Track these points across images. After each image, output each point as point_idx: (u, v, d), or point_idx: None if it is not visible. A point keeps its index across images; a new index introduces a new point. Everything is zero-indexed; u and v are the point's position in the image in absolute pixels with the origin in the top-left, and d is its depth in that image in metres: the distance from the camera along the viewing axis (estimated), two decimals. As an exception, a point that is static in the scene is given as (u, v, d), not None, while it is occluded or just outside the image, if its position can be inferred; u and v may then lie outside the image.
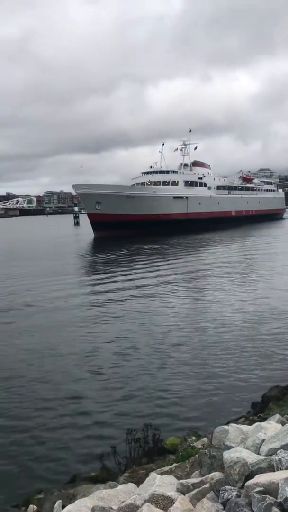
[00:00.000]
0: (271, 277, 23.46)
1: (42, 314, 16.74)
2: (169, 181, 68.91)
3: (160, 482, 3.51)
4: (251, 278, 23.32)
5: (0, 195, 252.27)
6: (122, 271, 26.98)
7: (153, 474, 3.82)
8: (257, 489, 2.71)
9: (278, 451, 3.15)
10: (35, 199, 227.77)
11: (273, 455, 3.13)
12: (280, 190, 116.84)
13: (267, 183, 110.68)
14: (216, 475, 3.23)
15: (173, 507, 2.97)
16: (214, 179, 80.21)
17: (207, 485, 3.18)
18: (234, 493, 2.86)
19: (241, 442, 3.97)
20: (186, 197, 68.63)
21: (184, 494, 3.30)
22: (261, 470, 3.01)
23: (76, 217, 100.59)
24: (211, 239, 50.08)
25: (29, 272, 27.65)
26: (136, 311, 16.69)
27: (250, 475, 2.99)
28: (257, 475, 2.90)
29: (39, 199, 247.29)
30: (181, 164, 76.49)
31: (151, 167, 74.25)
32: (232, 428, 4.31)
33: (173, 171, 71.95)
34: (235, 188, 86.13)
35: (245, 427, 4.36)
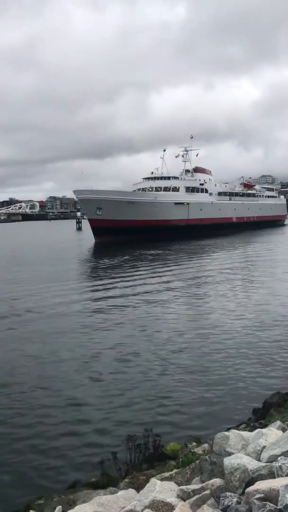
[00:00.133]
0: (273, 284, 23.43)
1: (43, 320, 16.72)
2: (170, 187, 69.04)
3: (161, 488, 3.51)
4: (253, 284, 23.30)
5: (3, 200, 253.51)
6: (123, 277, 26.99)
7: (153, 480, 3.82)
8: (258, 495, 2.71)
9: (279, 458, 3.15)
10: (37, 204, 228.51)
11: (274, 462, 3.13)
12: (282, 196, 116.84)
13: (269, 189, 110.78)
14: (217, 481, 3.23)
15: (174, 513, 2.97)
16: (215, 185, 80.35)
17: (207, 492, 3.18)
18: (235, 499, 2.86)
19: (242, 449, 3.97)
20: (187, 203, 68.74)
21: (184, 500, 3.30)
22: (262, 477, 3.01)
23: (78, 222, 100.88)
24: (212, 245, 50.09)
25: (31, 277, 27.67)
26: (137, 317, 16.68)
27: (251, 482, 2.98)
28: (258, 482, 2.90)
29: (42, 204, 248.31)
30: (183, 170, 76.75)
31: (152, 173, 74.41)
32: (233, 434, 4.30)
33: (174, 177, 72.11)
34: (236, 194, 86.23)
35: (246, 434, 4.36)
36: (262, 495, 2.70)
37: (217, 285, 23.34)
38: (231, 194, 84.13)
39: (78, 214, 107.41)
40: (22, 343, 13.74)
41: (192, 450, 5.79)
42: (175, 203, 66.60)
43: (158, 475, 4.55)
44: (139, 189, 69.42)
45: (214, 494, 3.10)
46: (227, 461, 3.22)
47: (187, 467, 4.30)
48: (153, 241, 51.62)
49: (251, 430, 5.17)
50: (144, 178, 73.72)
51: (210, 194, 76.24)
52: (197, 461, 4.08)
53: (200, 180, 75.08)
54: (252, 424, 7.15)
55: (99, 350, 12.77)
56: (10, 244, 64.48)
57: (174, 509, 3.07)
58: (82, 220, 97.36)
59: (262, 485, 2.78)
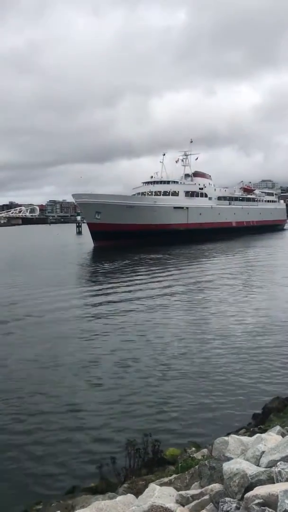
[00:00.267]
0: (272, 289, 23.43)
1: (43, 324, 16.69)
2: (169, 191, 69.12)
3: (159, 494, 3.50)
4: (253, 289, 23.29)
5: (3, 204, 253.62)
6: (123, 281, 26.98)
7: (152, 485, 3.81)
8: (257, 501, 2.70)
9: (278, 463, 3.15)
10: (38, 208, 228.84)
11: (273, 467, 3.12)
12: (282, 201, 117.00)
13: (268, 194, 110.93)
14: (216, 486, 3.22)
15: (172, 519, 2.96)
16: (215, 189, 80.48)
17: (206, 497, 3.17)
18: (234, 505, 2.85)
19: (241, 454, 3.96)
20: (187, 208, 68.84)
21: (183, 505, 3.29)
22: (261, 482, 3.01)
23: (78, 226, 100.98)
24: (212, 250, 50.12)
25: (31, 281, 27.66)
26: (137, 322, 16.65)
27: (250, 487, 2.98)
28: (257, 487, 2.89)
29: (42, 208, 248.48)
30: (183, 174, 76.90)
31: (151, 177, 74.56)
32: (232, 439, 4.29)
33: (174, 181, 72.22)
34: (236, 198, 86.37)
35: (245, 439, 4.35)
36: (261, 500, 2.70)
37: (217, 290, 23.33)
38: (231, 199, 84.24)
39: (78, 218, 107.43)
40: (21, 348, 13.71)
41: (191, 455, 5.77)
42: (175, 208, 66.69)
43: (157, 480, 4.54)
44: (138, 193, 69.49)
45: (213, 499, 3.09)
46: (226, 466, 3.22)
47: (186, 472, 4.29)
48: (152, 245, 51.62)
49: (250, 435, 5.16)
50: (143, 182, 73.86)
51: (210, 198, 76.35)
52: (196, 466, 4.07)
53: (199, 184, 75.21)
54: (251, 429, 7.13)
55: (98, 355, 12.75)
56: (10, 247, 64.47)
57: (173, 514, 3.06)
58: (82, 224, 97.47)
59: (261, 490, 2.77)
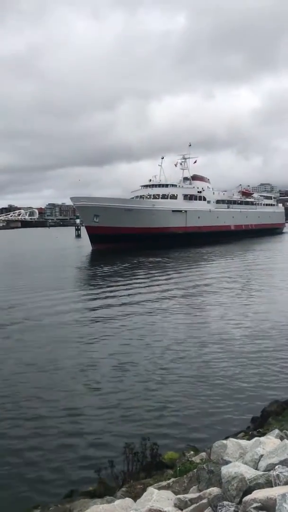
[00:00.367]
0: (271, 293, 23.43)
1: (41, 328, 16.62)
2: (168, 194, 69.19)
3: (157, 497, 3.49)
4: (251, 293, 23.30)
5: (2, 207, 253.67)
6: (121, 285, 26.94)
7: (150, 489, 3.80)
8: (255, 504, 2.70)
9: (276, 467, 3.14)
10: (37, 211, 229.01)
11: (271, 471, 3.12)
12: (280, 204, 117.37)
13: (267, 197, 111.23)
14: (214, 490, 3.21)
15: (170, 523, 2.95)
16: (213, 193, 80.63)
17: (204, 501, 3.16)
18: (232, 509, 2.84)
19: (240, 457, 3.95)
20: (185, 211, 68.89)
21: (181, 509, 3.28)
22: (259, 486, 3.00)
23: (77, 229, 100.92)
24: (211, 253, 50.15)
25: (30, 284, 27.61)
26: (136, 326, 16.61)
27: (248, 491, 2.97)
28: (255, 491, 2.89)
29: (41, 211, 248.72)
30: (181, 178, 77.02)
31: (150, 180, 74.64)
32: (230, 443, 4.28)
33: (172, 185, 72.32)
34: (235, 202, 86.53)
35: (244, 442, 4.34)
36: (259, 504, 2.69)
37: (216, 293, 23.33)
38: (229, 202, 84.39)
39: (77, 221, 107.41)
40: (19, 352, 13.66)
41: (190, 459, 5.75)
42: (173, 211, 66.74)
43: (155, 484, 4.52)
44: (137, 197, 69.51)
45: (212, 503, 3.08)
46: (225, 470, 3.21)
47: (185, 476, 4.28)
48: (151, 248, 51.62)
49: (249, 439, 5.15)
50: (142, 186, 73.91)
51: (208, 202, 76.46)
52: (195, 470, 4.06)
53: (198, 188, 75.32)
54: (250, 432, 7.12)
55: (97, 359, 12.72)
56: (9, 251, 64.43)
57: (171, 518, 3.05)
58: (81, 227, 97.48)
59: (259, 494, 2.77)
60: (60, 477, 7.00)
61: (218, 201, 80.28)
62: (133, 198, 68.91)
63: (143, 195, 69.51)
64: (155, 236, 59.89)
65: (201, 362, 12.16)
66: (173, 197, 69.32)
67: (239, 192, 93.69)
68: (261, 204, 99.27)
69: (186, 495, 3.47)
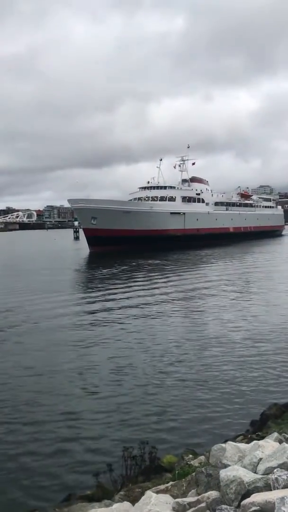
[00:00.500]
0: (271, 295, 23.43)
1: (38, 331, 16.57)
2: (166, 196, 69.15)
3: (156, 501, 3.48)
4: (251, 296, 23.30)
5: (0, 209, 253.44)
6: (120, 287, 26.90)
7: (148, 493, 3.78)
8: (253, 508, 2.68)
9: (275, 470, 3.13)
10: (35, 214, 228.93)
11: (270, 474, 3.11)
12: (279, 207, 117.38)
13: (266, 199, 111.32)
14: (213, 494, 3.20)
15: (169, 527, 2.93)
16: (212, 195, 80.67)
17: (203, 504, 3.15)
18: (230, 512, 2.83)
19: (239, 461, 3.94)
20: (183, 213, 68.86)
21: (180, 513, 3.26)
22: (258, 489, 2.99)
23: (76, 231, 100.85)
24: (209, 256, 50.16)
25: (28, 287, 27.55)
26: (134, 329, 16.57)
27: (247, 494, 2.96)
28: (254, 494, 2.88)
29: (40, 213, 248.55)
30: (180, 179, 77.10)
31: (148, 182, 74.63)
32: (229, 446, 4.27)
33: (171, 187, 72.30)
34: (233, 204, 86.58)
35: (242, 446, 4.33)
36: (258, 507, 2.68)
37: (215, 296, 23.32)
38: (228, 204, 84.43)
39: (76, 223, 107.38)
40: (16, 355, 13.59)
41: (188, 463, 5.73)
42: (171, 213, 66.72)
43: (153, 488, 4.50)
44: (135, 199, 69.48)
45: (210, 506, 3.07)
46: (223, 473, 3.20)
47: (183, 479, 4.26)
48: (149, 251, 51.59)
49: (248, 442, 5.14)
50: (140, 188, 73.89)
51: (207, 204, 76.49)
52: (193, 474, 4.05)
53: (196, 190, 75.34)
54: (249, 436, 7.10)
55: (95, 362, 12.65)
56: (7, 253, 64.36)
57: (169, 522, 3.03)
58: (79, 229, 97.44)
59: (258, 498, 2.76)
60: (58, 481, 6.97)
61: (216, 203, 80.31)
62: (131, 200, 68.87)
63: (141, 197, 69.49)
64: (153, 239, 59.83)
65: (200, 365, 12.14)
66: (172, 199, 69.31)
67: (238, 194, 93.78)
68: (260, 206, 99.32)
69: (184, 499, 3.46)
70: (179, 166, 78.70)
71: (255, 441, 4.24)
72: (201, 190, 76.29)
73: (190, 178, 77.76)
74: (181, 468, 5.27)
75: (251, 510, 2.66)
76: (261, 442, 4.06)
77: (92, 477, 6.05)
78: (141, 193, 71.85)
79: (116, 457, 6.83)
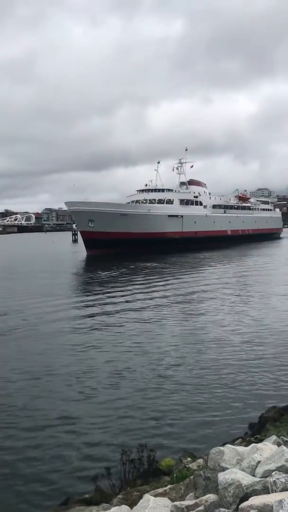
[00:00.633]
0: (269, 298, 23.42)
1: (36, 335, 16.48)
2: (164, 199, 69.15)
3: (154, 504, 3.47)
4: (249, 299, 23.30)
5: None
6: (119, 291, 26.84)
7: (147, 496, 3.77)
8: (251, 511, 2.68)
9: (273, 473, 3.13)
10: (33, 216, 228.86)
11: (268, 477, 3.11)
12: (277, 209, 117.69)
13: (264, 202, 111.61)
14: (211, 497, 3.20)
15: (167, 530, 2.93)
16: (210, 198, 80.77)
17: (201, 508, 3.14)
18: (229, 515, 2.83)
19: (237, 464, 3.93)
20: (181, 216, 68.85)
21: (178, 516, 3.25)
22: (256, 492, 2.98)
23: (74, 234, 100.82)
24: (208, 258, 50.18)
25: (25, 290, 27.47)
26: (133, 333, 16.54)
27: (245, 497, 2.96)
28: (252, 497, 2.87)
29: (38, 216, 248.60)
30: (178, 182, 77.14)
31: (146, 185, 74.62)
32: (227, 449, 4.26)
33: (168, 190, 72.26)
34: (231, 207, 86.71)
35: (241, 448, 4.32)
36: (256, 510, 2.68)
37: (214, 299, 23.31)
38: (226, 207, 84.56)
39: (74, 226, 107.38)
40: (13, 360, 13.48)
41: (187, 466, 5.72)
42: (169, 216, 66.69)
43: (152, 491, 4.49)
44: (132, 201, 69.43)
45: (208, 510, 3.06)
46: (221, 477, 3.20)
47: (182, 482, 4.26)
48: (147, 254, 51.55)
49: (246, 445, 5.13)
50: (138, 190, 73.81)
51: (205, 206, 76.55)
52: (192, 477, 4.04)
53: (194, 192, 75.41)
54: (248, 438, 7.09)
55: (93, 366, 12.59)
56: (5, 256, 64.24)
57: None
58: (78, 232, 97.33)
59: (256, 501, 2.75)
60: (56, 484, 6.94)
61: (214, 206, 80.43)
62: (128, 203, 68.81)
63: (139, 200, 69.46)
64: (151, 241, 59.69)
65: (199, 369, 12.12)
66: (169, 202, 69.33)
67: (236, 197, 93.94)
68: (258, 209, 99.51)
69: (182, 502, 3.45)
70: (177, 168, 78.83)
71: (253, 444, 4.23)
72: (199, 193, 76.38)
73: (188, 181, 77.88)
74: (179, 471, 5.26)
75: (249, 513, 2.66)
76: (259, 445, 4.06)
77: (90, 481, 6.04)
78: (138, 195, 71.84)
79: (114, 460, 6.82)
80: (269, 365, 12.10)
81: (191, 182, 78.16)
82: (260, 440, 5.56)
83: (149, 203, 67.85)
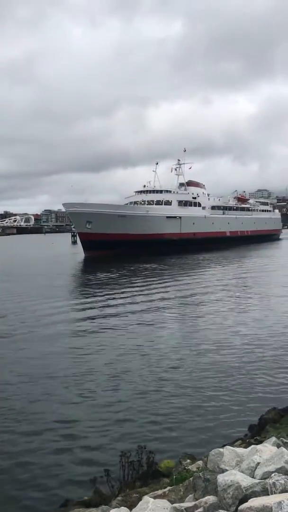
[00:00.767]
0: (269, 300, 23.43)
1: (34, 338, 16.43)
2: (162, 200, 69.03)
3: (153, 506, 3.46)
4: (248, 301, 23.31)
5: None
6: (117, 293, 26.80)
7: (146, 498, 3.76)
8: (251, 513, 2.67)
9: (273, 474, 3.12)
10: (32, 218, 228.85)
11: (268, 479, 3.10)
12: (277, 210, 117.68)
13: (263, 203, 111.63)
14: (210, 499, 3.19)
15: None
16: (208, 199, 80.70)
17: (200, 509, 3.14)
18: (228, 517, 2.82)
19: (236, 465, 3.92)
20: (180, 217, 68.71)
21: (177, 518, 3.25)
22: (255, 494, 2.98)
23: (73, 235, 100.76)
24: (207, 260, 50.19)
25: (24, 292, 27.43)
26: (132, 336, 16.50)
27: (244, 499, 2.95)
28: (251, 499, 2.87)
29: (37, 217, 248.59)
30: (177, 183, 77.12)
31: (144, 186, 74.53)
32: (227, 451, 4.25)
33: (167, 191, 72.12)
34: (230, 208, 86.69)
35: (240, 450, 4.31)
36: (256, 512, 2.67)
37: (213, 301, 23.31)
38: (225, 208, 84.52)
39: (73, 227, 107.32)
40: (11, 363, 13.41)
41: (186, 467, 5.70)
42: (167, 217, 66.56)
43: (151, 493, 4.48)
44: (131, 203, 69.25)
45: (207, 511, 3.05)
46: (221, 478, 3.19)
47: (181, 484, 4.25)
48: (145, 255, 51.49)
49: (246, 447, 5.12)
50: (136, 192, 73.63)
51: (203, 208, 76.48)
52: (191, 478, 4.03)
53: (193, 193, 75.30)
54: (247, 440, 7.08)
55: (92, 369, 12.55)
56: (4, 257, 64.16)
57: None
58: (77, 233, 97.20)
59: (255, 502, 2.75)
60: (55, 486, 6.92)
61: (213, 207, 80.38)
62: (127, 204, 68.65)
63: (137, 201, 69.28)
64: (149, 243, 59.52)
65: (197, 370, 12.11)
66: (168, 203, 69.23)
67: (234, 198, 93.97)
68: (257, 210, 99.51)
69: (182, 504, 3.44)
70: (176, 170, 78.82)
71: (253, 446, 4.23)
72: (197, 194, 76.29)
73: (186, 182, 77.82)
74: (178, 473, 5.25)
75: (248, 515, 2.65)
76: (259, 446, 4.05)
77: (89, 483, 6.02)
78: (137, 197, 71.68)
79: (113, 462, 6.80)
80: (269, 367, 12.09)
81: (190, 183, 78.12)
82: (260, 442, 5.55)
83: (147, 204, 67.69)
